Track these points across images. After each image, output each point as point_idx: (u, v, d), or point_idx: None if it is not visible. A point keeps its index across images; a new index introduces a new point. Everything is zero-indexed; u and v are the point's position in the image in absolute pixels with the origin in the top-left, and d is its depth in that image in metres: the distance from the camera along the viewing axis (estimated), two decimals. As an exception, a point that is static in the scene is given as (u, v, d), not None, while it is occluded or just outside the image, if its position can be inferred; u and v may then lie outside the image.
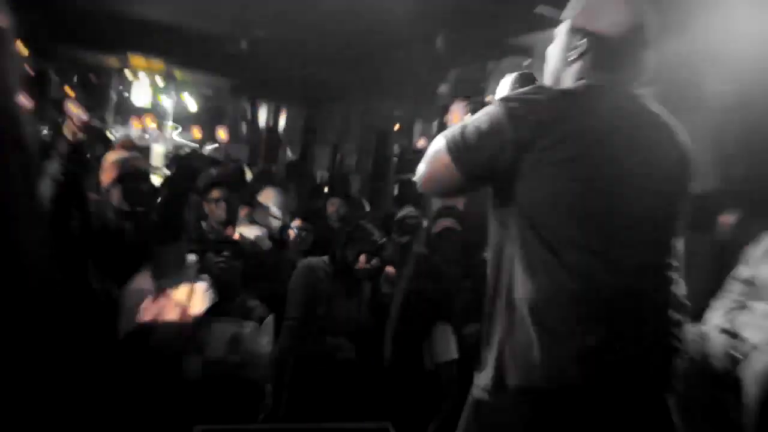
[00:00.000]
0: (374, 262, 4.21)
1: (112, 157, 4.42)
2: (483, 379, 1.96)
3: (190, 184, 4.47)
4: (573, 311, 1.84)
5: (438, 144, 1.99)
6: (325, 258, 4.31)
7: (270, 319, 3.95)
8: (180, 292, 3.77)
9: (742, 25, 4.35)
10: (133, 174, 4.22)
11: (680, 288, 2.04)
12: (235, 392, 3.74)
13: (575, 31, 2.07)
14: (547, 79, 2.19)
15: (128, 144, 7.49)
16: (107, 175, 4.23)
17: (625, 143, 1.91)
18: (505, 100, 1.94)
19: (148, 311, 3.68)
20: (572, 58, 2.07)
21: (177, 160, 10.65)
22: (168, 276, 3.86)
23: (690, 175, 2.07)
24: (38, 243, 1.01)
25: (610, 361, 1.86)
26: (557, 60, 2.14)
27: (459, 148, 1.92)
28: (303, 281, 4.18)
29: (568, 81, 2.07)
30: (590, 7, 2.06)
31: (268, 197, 6.36)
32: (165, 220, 3.96)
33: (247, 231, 5.72)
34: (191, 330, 3.72)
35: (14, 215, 0.94)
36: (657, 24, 2.06)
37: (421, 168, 2.04)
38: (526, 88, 1.99)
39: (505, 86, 2.30)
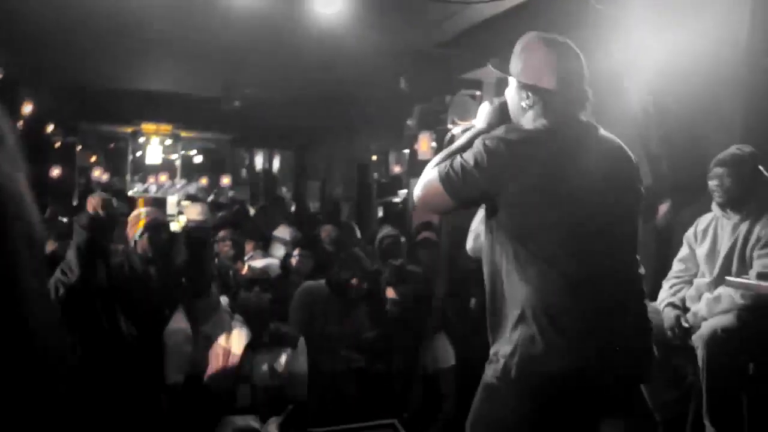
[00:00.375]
0: (365, 285, 4.14)
1: (135, 212, 4.46)
2: (492, 369, 1.97)
3: (208, 240, 4.40)
4: (565, 308, 1.87)
5: (431, 174, 2.04)
6: (323, 281, 4.23)
7: (302, 341, 3.83)
8: (222, 337, 3.69)
9: (652, 39, 4.39)
10: (155, 225, 4.22)
11: (642, 274, 2.08)
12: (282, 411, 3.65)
13: (522, 86, 2.10)
14: (512, 117, 2.20)
15: (149, 200, 7.51)
16: (133, 228, 4.23)
17: (589, 165, 1.96)
18: (485, 140, 1.97)
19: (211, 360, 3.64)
20: (525, 107, 2.10)
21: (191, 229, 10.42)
22: (204, 319, 3.80)
23: (640, 184, 2.13)
24: (46, 320, 0.93)
25: (601, 347, 1.89)
26: (514, 107, 2.16)
27: (450, 180, 1.97)
28: (301, 303, 4.10)
29: (528, 123, 2.09)
30: (530, 66, 2.08)
31: (284, 231, 6.34)
32: (194, 278, 3.88)
33: (257, 262, 5.66)
34: (238, 366, 3.63)
35: (22, 292, 0.86)
36: (583, 67, 2.09)
37: (418, 191, 2.09)
38: (501, 129, 2.02)
39: (483, 113, 2.28)
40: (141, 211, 4.43)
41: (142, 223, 4.21)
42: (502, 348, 1.94)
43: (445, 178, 1.98)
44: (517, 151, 1.92)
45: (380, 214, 11.76)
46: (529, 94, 2.07)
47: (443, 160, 2.05)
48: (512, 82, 2.15)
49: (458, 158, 1.98)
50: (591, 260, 1.91)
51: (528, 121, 2.09)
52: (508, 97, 2.18)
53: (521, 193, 1.90)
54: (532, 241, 1.90)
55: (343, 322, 4.09)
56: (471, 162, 1.95)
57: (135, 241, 4.20)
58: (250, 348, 3.66)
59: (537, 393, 1.88)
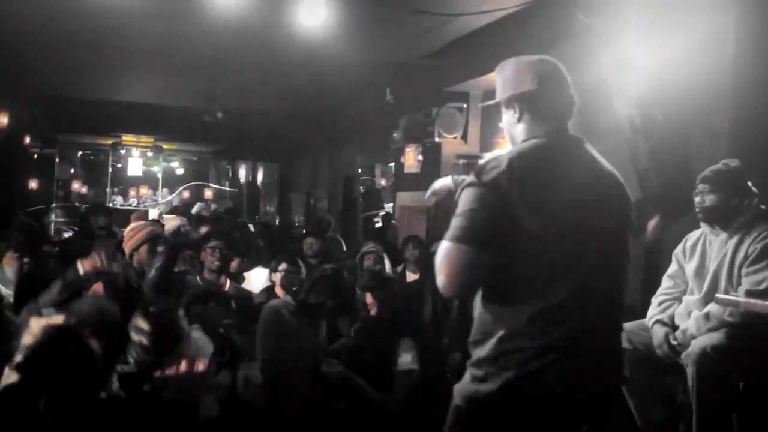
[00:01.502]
0: (329, 303, 4.13)
1: (132, 226, 4.44)
2: (470, 381, 1.97)
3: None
4: (541, 324, 1.88)
5: (443, 248, 1.92)
6: (288, 298, 4.19)
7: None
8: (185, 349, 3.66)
9: (639, 52, 4.42)
10: (152, 238, 4.19)
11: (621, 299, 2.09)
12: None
13: (507, 102, 2.13)
14: (508, 141, 2.22)
15: (142, 216, 7.49)
16: (130, 242, 4.23)
17: (579, 186, 1.96)
18: (473, 179, 1.94)
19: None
20: (514, 122, 2.11)
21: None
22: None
23: (630, 205, 2.11)
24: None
25: (580, 364, 1.90)
26: (509, 128, 2.17)
27: (464, 230, 1.88)
28: (267, 324, 4.06)
29: (519, 138, 2.10)
30: (507, 79, 2.13)
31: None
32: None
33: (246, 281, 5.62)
34: (202, 377, 3.60)
35: None
36: (562, 70, 2.10)
37: (441, 276, 1.92)
38: (486, 162, 1.98)
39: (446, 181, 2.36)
40: (138, 225, 4.41)
41: (139, 237, 4.20)
42: (482, 361, 1.95)
43: (457, 234, 1.90)
44: (503, 179, 1.89)
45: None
46: (515, 105, 2.09)
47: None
48: (502, 110, 2.18)
49: (458, 212, 1.93)
50: (575, 284, 1.91)
51: (519, 136, 2.10)
52: (504, 125, 2.21)
53: (513, 216, 1.88)
54: (518, 260, 1.90)
55: (314, 334, 4.07)
56: (468, 205, 1.91)
57: (131, 255, 4.19)
58: (213, 359, 3.66)
59: (516, 408, 1.90)
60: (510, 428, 1.93)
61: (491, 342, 1.93)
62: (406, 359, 3.84)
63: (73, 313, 3.07)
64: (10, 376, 2.75)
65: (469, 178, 1.96)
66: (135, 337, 3.36)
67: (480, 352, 1.97)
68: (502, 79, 2.15)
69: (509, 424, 1.92)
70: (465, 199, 1.92)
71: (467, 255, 1.87)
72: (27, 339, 2.79)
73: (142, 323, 3.34)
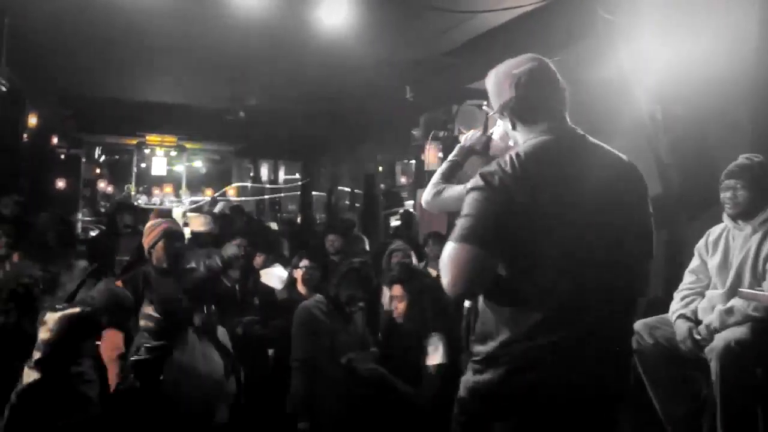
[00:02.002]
0: (361, 304, 4.13)
1: (150, 223, 4.48)
2: (475, 365, 1.99)
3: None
4: (546, 325, 1.87)
5: (448, 249, 1.90)
6: (321, 297, 4.22)
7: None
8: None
9: (660, 47, 4.39)
10: (170, 235, 4.24)
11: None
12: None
13: (499, 113, 2.15)
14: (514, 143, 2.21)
15: (163, 213, 7.55)
16: (148, 238, 4.27)
17: (585, 181, 1.94)
18: (478, 180, 1.93)
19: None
20: (512, 128, 2.13)
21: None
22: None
23: (645, 193, 2.08)
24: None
25: (588, 365, 1.90)
26: (511, 135, 2.18)
27: (470, 230, 1.87)
28: (301, 324, 4.09)
29: (521, 142, 2.10)
30: (491, 94, 2.17)
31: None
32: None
33: (266, 276, 5.64)
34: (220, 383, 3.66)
35: None
36: (540, 69, 2.10)
37: (446, 276, 1.90)
38: (491, 164, 1.99)
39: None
40: (155, 222, 4.46)
41: (155, 234, 4.23)
42: (483, 356, 1.96)
43: (463, 234, 1.87)
44: (507, 179, 1.89)
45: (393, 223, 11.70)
46: (505, 115, 2.12)
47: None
48: (499, 121, 2.25)
49: (459, 220, 1.92)
50: (584, 282, 1.89)
51: (520, 139, 2.10)
52: (510, 135, 2.22)
53: (520, 213, 1.87)
54: (524, 260, 1.89)
55: (347, 330, 4.09)
56: (473, 204, 1.90)
57: (149, 252, 4.23)
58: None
59: (515, 400, 1.91)
60: (510, 419, 1.94)
61: (494, 342, 1.94)
62: (437, 353, 3.84)
63: (87, 302, 3.10)
64: (30, 375, 2.78)
65: (473, 180, 1.95)
66: (143, 323, 3.39)
67: (482, 348, 1.99)
68: (489, 92, 2.19)
69: (509, 415, 1.94)
70: (470, 200, 1.92)
71: (473, 255, 1.85)
72: (43, 335, 2.82)
73: (150, 310, 3.37)
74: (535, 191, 1.87)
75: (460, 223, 1.90)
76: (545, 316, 1.87)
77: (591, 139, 2.08)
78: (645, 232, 2.04)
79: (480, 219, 1.87)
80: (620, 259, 1.96)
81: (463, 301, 3.55)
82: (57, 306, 2.95)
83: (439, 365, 3.81)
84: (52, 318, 2.83)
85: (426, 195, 2.67)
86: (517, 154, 1.96)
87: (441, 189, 2.62)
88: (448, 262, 1.88)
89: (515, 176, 1.88)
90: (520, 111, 2.08)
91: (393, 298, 3.94)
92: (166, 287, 3.90)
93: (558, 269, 1.88)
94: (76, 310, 2.90)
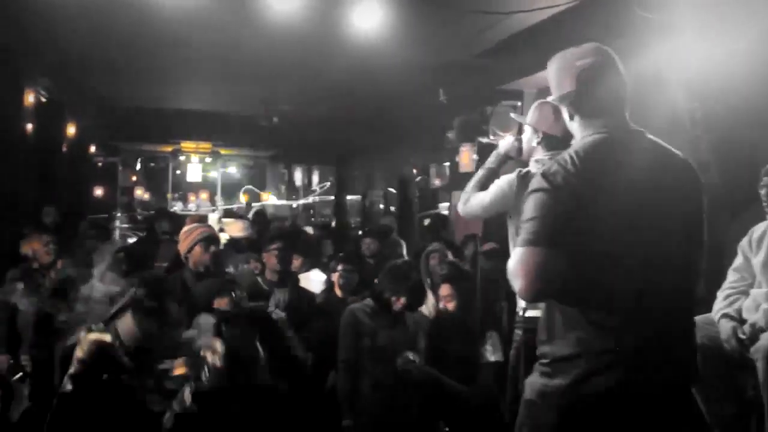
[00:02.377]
0: (404, 300, 4.15)
1: (186, 228, 4.54)
2: (541, 373, 1.99)
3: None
4: (612, 324, 1.88)
5: (517, 254, 1.89)
6: (369, 300, 4.25)
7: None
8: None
9: (699, 45, 4.34)
10: (207, 240, 4.32)
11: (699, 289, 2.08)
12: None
13: (559, 102, 2.13)
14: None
15: (198, 218, 7.67)
16: (184, 243, 4.33)
17: (646, 178, 1.94)
18: (541, 181, 1.92)
19: None
20: (570, 118, 2.12)
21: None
22: None
23: (701, 190, 2.09)
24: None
25: (651, 358, 1.90)
26: (568, 124, 2.15)
27: (537, 233, 1.86)
28: (344, 326, 4.13)
29: (578, 135, 2.10)
30: (551, 82, 2.16)
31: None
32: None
33: (305, 281, 5.68)
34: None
35: None
36: (605, 63, 2.07)
37: (517, 281, 1.88)
38: (551, 164, 1.97)
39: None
40: (190, 227, 4.52)
41: (192, 239, 4.29)
42: (555, 353, 1.96)
43: (533, 237, 1.87)
44: (571, 176, 1.88)
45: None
46: (564, 105, 2.11)
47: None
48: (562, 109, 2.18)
49: (529, 217, 1.90)
50: (645, 276, 1.89)
51: (577, 132, 2.10)
52: (568, 127, 2.19)
53: (584, 208, 1.87)
54: (589, 259, 1.88)
55: (395, 331, 4.11)
56: (539, 205, 1.89)
57: (186, 257, 4.29)
58: None
59: (587, 404, 1.90)
60: (581, 423, 1.93)
61: (560, 342, 1.94)
62: (495, 351, 3.85)
63: (114, 333, 3.17)
64: (67, 385, 2.95)
65: (535, 181, 1.95)
66: (209, 358, 3.36)
67: (548, 349, 1.99)
68: (549, 79, 2.17)
69: (581, 419, 1.92)
70: (534, 203, 1.91)
71: (543, 257, 1.84)
72: (78, 352, 2.98)
73: (217, 345, 3.34)
74: (598, 190, 1.88)
75: (526, 227, 1.89)
76: (615, 316, 1.88)
77: (649, 135, 2.07)
78: (700, 229, 2.05)
79: (547, 220, 1.87)
80: (680, 257, 1.97)
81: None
82: (93, 327, 3.06)
83: (493, 363, 3.84)
84: (86, 339, 2.98)
85: (462, 203, 2.71)
86: (577, 152, 1.95)
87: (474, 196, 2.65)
88: (519, 267, 1.87)
89: (578, 175, 1.88)
90: (580, 105, 2.07)
91: (442, 298, 3.96)
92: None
93: (624, 268, 1.88)
94: (107, 338, 3.00)
